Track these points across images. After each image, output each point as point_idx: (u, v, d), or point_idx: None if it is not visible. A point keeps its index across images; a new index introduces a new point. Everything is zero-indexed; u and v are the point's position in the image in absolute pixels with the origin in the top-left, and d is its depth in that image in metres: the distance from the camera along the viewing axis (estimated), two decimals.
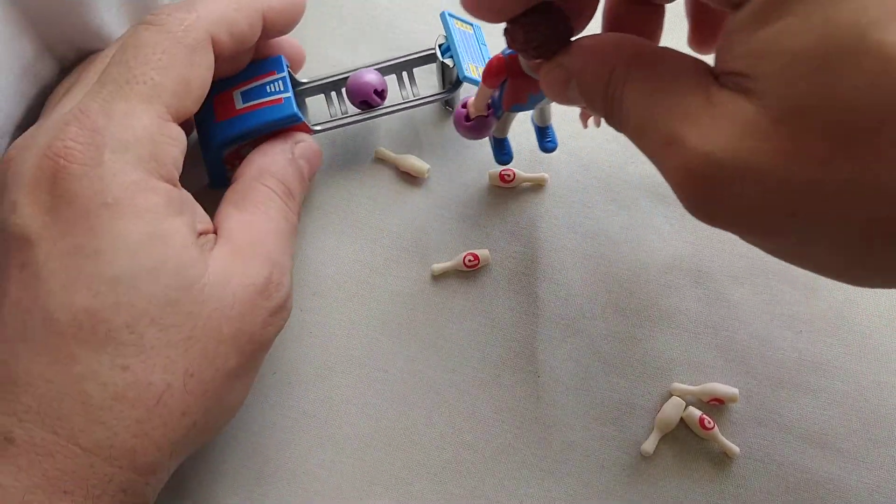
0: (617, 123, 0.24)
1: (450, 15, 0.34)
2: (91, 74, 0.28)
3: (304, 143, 0.32)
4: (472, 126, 0.32)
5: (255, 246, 0.28)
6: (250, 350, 0.27)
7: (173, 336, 0.25)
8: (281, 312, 0.28)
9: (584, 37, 0.25)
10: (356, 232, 0.35)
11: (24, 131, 0.32)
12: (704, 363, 0.33)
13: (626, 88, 0.23)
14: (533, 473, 0.32)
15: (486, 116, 0.31)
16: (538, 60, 0.27)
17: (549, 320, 0.33)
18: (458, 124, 0.32)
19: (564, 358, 0.33)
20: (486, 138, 0.33)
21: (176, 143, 0.27)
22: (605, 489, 0.31)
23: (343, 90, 0.35)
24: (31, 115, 0.33)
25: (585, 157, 0.36)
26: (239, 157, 0.33)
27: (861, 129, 0.18)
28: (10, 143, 0.32)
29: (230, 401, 0.27)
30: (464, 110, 0.32)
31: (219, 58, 0.29)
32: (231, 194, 0.30)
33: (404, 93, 0.36)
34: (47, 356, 0.24)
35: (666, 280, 0.34)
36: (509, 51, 0.28)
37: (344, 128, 0.35)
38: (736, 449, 0.31)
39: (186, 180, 0.36)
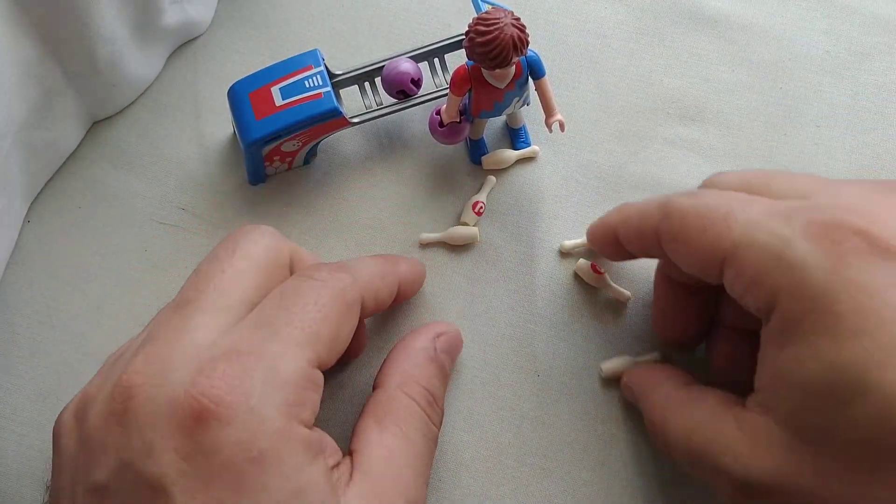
0: (667, 452, 0.28)
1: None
2: (210, 297, 0.27)
3: (445, 336, 0.31)
4: (446, 132, 0.34)
5: (392, 484, 0.27)
6: None
7: None
8: None
9: (638, 364, 0.32)
10: (357, 235, 0.35)
11: (24, 132, 0.33)
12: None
13: (669, 424, 0.27)
14: (533, 473, 0.32)
15: (459, 122, 0.33)
16: (497, 70, 0.29)
17: (548, 319, 0.33)
18: (432, 130, 0.34)
19: (564, 358, 0.33)
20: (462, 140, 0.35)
21: (319, 389, 0.26)
22: (605, 489, 0.31)
23: (377, 80, 0.35)
24: (33, 116, 0.33)
25: (585, 156, 0.36)
26: (279, 153, 0.33)
27: (865, 458, 0.22)
28: (10, 144, 0.32)
29: None
30: (438, 117, 0.34)
31: (360, 320, 0.29)
32: (373, 406, 0.29)
33: (437, 80, 0.35)
34: None
35: None
36: (472, 62, 0.30)
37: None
38: (628, 294, 0.33)
39: (225, 180, 0.36)
